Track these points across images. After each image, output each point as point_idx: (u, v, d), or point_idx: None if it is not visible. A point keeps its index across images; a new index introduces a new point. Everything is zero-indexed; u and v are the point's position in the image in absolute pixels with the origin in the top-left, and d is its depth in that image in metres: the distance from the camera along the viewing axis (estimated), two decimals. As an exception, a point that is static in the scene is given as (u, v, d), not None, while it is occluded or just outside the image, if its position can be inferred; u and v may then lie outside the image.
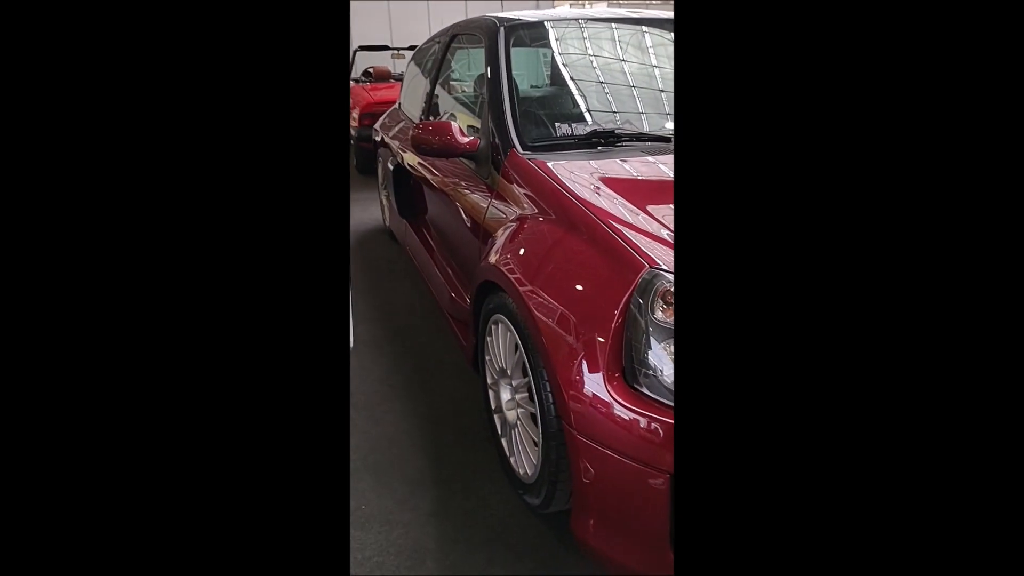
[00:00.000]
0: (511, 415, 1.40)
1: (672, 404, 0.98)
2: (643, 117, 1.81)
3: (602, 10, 2.24)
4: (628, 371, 1.03)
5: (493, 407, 1.52)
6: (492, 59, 1.77)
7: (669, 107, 1.90)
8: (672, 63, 2.05)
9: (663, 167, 1.49)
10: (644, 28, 2.09)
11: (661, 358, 1.00)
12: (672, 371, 0.99)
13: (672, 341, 1.00)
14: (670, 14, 2.24)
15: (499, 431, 1.50)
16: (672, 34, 2.11)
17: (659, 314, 1.01)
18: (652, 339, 1.01)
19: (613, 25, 2.08)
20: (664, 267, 1.05)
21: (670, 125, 1.79)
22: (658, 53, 2.05)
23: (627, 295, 1.05)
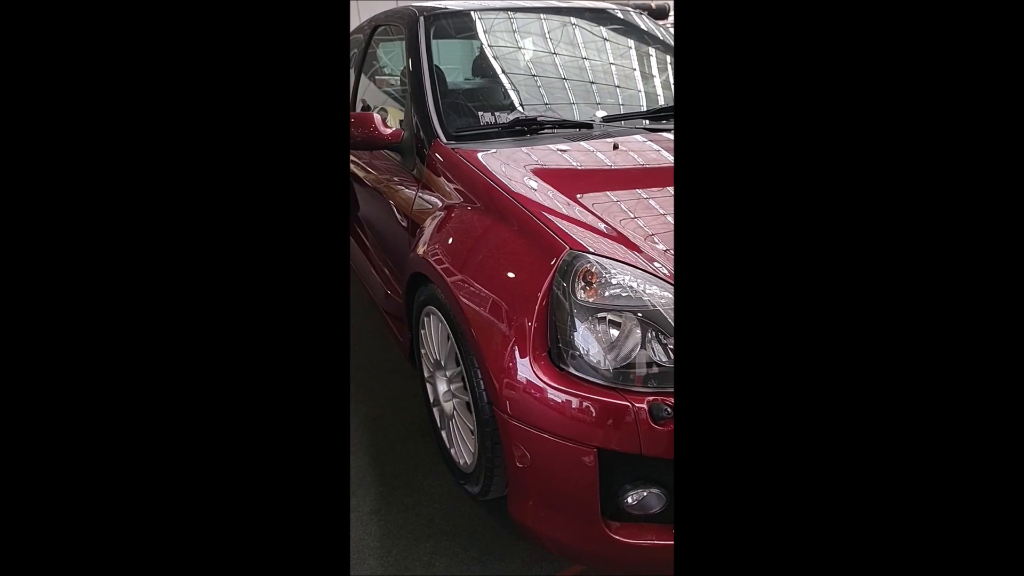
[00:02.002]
0: (448, 406, 1.40)
1: (598, 382, 1.00)
2: (573, 106, 1.82)
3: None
4: (555, 353, 1.04)
5: (431, 400, 1.51)
6: (412, 50, 1.75)
7: (599, 96, 1.92)
8: (599, 54, 2.08)
9: (600, 155, 1.51)
10: (572, 19, 2.10)
11: (586, 338, 1.01)
12: (597, 350, 1.01)
13: (595, 320, 1.02)
14: (598, 4, 2.26)
15: (438, 423, 1.49)
16: (601, 27, 2.14)
17: (581, 295, 1.02)
18: (576, 320, 1.02)
19: (541, 16, 2.08)
20: (590, 249, 1.06)
21: (600, 113, 1.81)
22: (586, 43, 2.07)
23: (549, 278, 1.06)
